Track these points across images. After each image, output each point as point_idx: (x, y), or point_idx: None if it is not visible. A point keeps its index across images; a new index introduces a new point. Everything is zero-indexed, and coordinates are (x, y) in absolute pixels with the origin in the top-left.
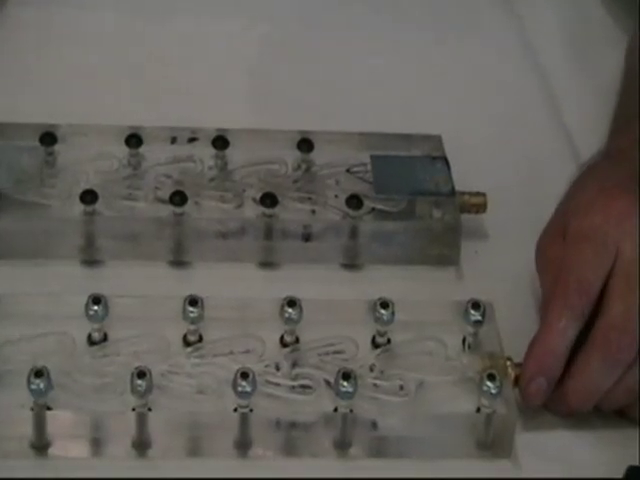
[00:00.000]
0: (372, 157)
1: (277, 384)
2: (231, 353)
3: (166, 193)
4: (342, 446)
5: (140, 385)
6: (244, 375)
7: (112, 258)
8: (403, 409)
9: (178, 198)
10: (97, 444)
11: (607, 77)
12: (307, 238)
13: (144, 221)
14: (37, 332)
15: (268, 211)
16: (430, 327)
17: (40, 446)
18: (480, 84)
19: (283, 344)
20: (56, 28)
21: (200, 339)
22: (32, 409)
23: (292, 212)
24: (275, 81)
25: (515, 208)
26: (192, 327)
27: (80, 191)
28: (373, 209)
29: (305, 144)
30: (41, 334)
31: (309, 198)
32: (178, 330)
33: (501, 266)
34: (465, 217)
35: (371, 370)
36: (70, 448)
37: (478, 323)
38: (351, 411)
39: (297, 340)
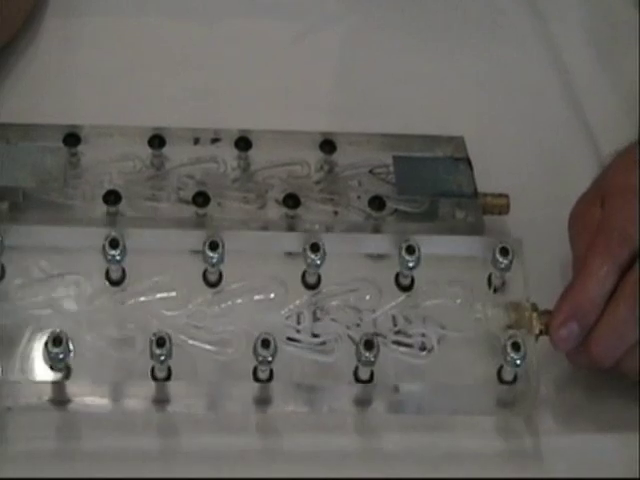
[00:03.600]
0: (394, 158)
1: (298, 340)
2: (251, 300)
3: (189, 194)
4: (362, 403)
5: (160, 354)
6: (265, 343)
7: None
8: (425, 371)
9: (201, 199)
10: (117, 396)
11: (631, 77)
12: None
13: (167, 222)
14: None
15: (291, 212)
16: (454, 270)
17: (61, 401)
18: (503, 85)
19: (305, 285)
20: (81, 31)
21: (220, 278)
22: (52, 368)
23: (314, 213)
24: (297, 82)
25: (538, 209)
26: (212, 269)
27: (103, 192)
28: (395, 210)
29: (327, 145)
30: (59, 274)
31: (331, 199)
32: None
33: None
34: (488, 218)
35: (394, 323)
36: (90, 403)
37: (506, 268)
38: (372, 377)
39: (319, 281)
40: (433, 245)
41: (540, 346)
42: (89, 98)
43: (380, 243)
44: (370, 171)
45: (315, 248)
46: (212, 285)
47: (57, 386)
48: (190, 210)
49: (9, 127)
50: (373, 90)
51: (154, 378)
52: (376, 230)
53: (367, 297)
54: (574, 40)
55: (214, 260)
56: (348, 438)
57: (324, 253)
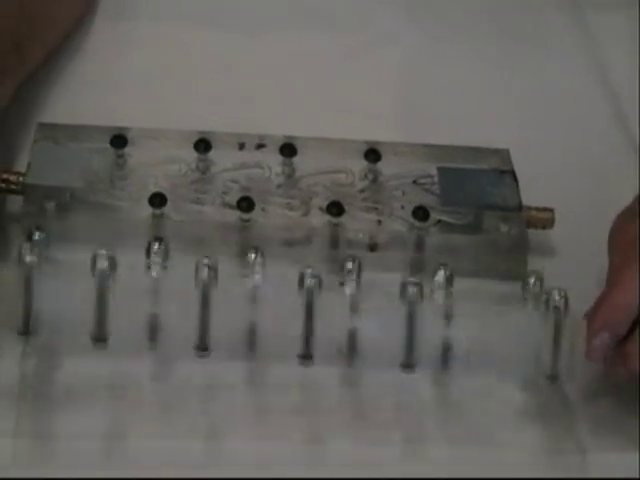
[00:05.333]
0: (439, 169)
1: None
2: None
3: (233, 198)
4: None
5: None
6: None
7: (178, 261)
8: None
9: (245, 204)
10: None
11: None
12: (373, 248)
13: (211, 225)
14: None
15: (334, 220)
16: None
17: (100, 337)
18: (549, 99)
19: None
20: (130, 36)
21: None
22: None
23: (358, 222)
24: (343, 90)
25: (583, 224)
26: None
27: (149, 194)
28: (439, 221)
29: (372, 154)
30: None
31: (375, 208)
32: None
33: (568, 282)
34: (532, 232)
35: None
36: (128, 343)
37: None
38: None
39: None
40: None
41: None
42: (137, 101)
43: None
44: (414, 181)
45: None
46: None
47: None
48: (234, 215)
49: (58, 128)
50: (419, 101)
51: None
52: (419, 241)
53: None
54: (620, 54)
55: None
56: (391, 448)
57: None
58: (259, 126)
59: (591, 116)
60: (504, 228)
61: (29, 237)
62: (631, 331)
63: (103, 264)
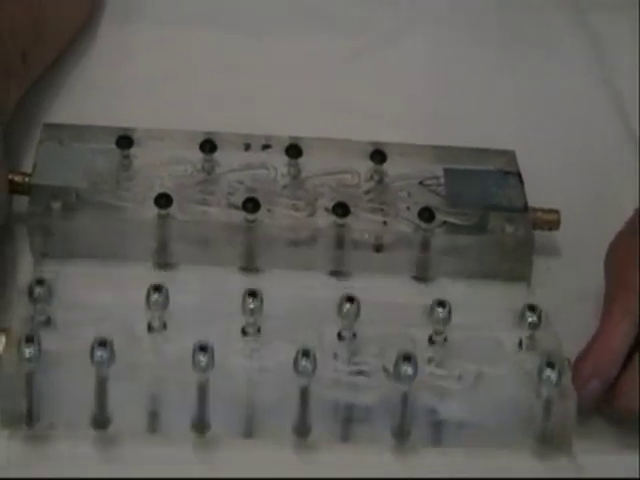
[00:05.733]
0: (445, 170)
1: (335, 369)
2: (290, 342)
3: (239, 199)
4: (401, 434)
5: (202, 360)
6: (305, 353)
7: (184, 262)
8: (462, 396)
9: (251, 205)
10: (156, 421)
11: None
12: (378, 249)
13: (216, 226)
14: (98, 317)
15: (340, 220)
16: (486, 329)
17: (101, 420)
18: (554, 100)
19: (340, 338)
20: (135, 38)
21: (258, 331)
22: (96, 382)
23: (364, 222)
24: (349, 91)
25: (589, 225)
26: (251, 319)
27: (155, 194)
28: (445, 222)
29: (378, 155)
30: (104, 317)
31: (381, 209)
32: (238, 323)
33: (573, 284)
34: (537, 233)
35: (429, 362)
36: (130, 424)
37: (533, 325)
38: (407, 397)
39: (354, 336)
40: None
41: None
42: (142, 102)
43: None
44: (420, 182)
45: (350, 300)
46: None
47: (99, 404)
48: (240, 215)
49: (63, 128)
50: (424, 101)
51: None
52: (425, 241)
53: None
54: (624, 56)
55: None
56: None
57: (358, 306)
58: (264, 127)
59: (595, 116)
60: (510, 229)
61: (32, 297)
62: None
63: (102, 355)
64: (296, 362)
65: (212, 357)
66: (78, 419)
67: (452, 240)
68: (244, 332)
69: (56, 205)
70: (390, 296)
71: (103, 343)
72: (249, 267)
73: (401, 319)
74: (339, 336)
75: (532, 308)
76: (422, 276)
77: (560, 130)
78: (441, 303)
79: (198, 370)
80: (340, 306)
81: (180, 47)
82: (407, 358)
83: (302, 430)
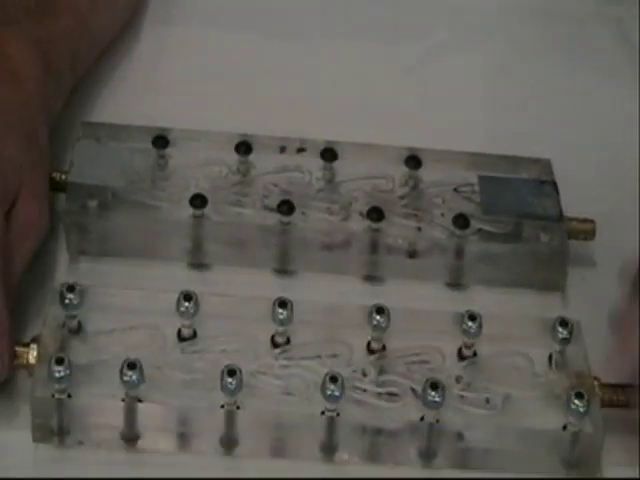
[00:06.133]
0: (480, 177)
1: (364, 390)
2: (318, 357)
3: (273, 202)
4: (427, 456)
5: (230, 383)
6: (333, 379)
7: (218, 263)
8: (489, 421)
9: (286, 207)
10: (185, 439)
11: None
12: (412, 255)
13: (251, 228)
14: (129, 325)
15: (374, 225)
16: (517, 343)
17: (130, 438)
18: (591, 110)
19: (370, 350)
20: (176, 39)
21: (288, 341)
22: (124, 400)
23: (398, 228)
24: (385, 96)
25: (624, 236)
26: (280, 329)
27: (190, 195)
28: (479, 230)
29: (413, 161)
30: (133, 327)
31: (415, 215)
32: (267, 332)
33: (608, 294)
34: (572, 243)
35: (457, 381)
36: (159, 441)
37: (565, 340)
38: (437, 421)
39: (384, 348)
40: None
41: None
42: (180, 103)
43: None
44: (455, 189)
45: (380, 311)
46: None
47: (128, 422)
48: (274, 218)
49: (100, 126)
50: (461, 109)
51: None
52: (459, 248)
53: (431, 361)
54: None
55: (283, 317)
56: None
57: (388, 317)
58: (300, 130)
59: (631, 127)
60: (544, 238)
61: (63, 303)
62: None
63: (131, 376)
64: (324, 387)
65: (240, 381)
66: (107, 435)
67: (486, 248)
68: (274, 342)
69: (92, 203)
70: (422, 303)
71: (133, 365)
72: (282, 270)
73: (432, 328)
74: (368, 348)
75: (564, 323)
76: (455, 283)
77: (596, 139)
78: (472, 316)
79: (226, 394)
80: (370, 316)
81: (218, 49)
82: (435, 386)
83: (329, 449)
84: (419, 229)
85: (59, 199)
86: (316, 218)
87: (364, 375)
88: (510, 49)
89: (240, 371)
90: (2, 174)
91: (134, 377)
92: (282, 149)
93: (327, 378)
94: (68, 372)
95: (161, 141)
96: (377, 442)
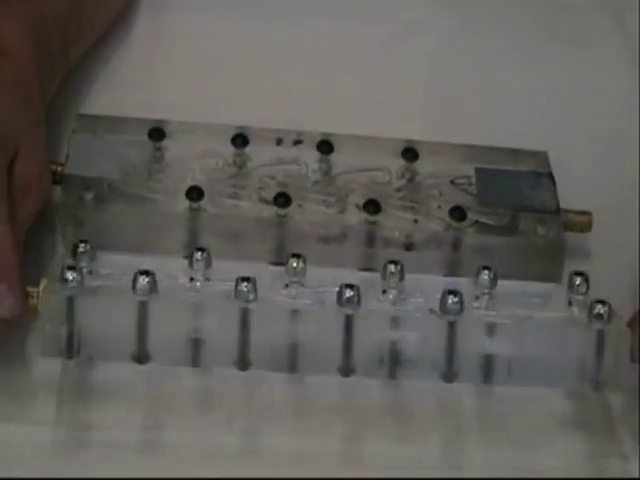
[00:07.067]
0: (477, 170)
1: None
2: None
3: (270, 194)
4: (448, 374)
5: (244, 290)
6: (349, 286)
7: (214, 255)
8: (511, 332)
9: (282, 200)
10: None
11: None
12: (409, 247)
13: (247, 220)
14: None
15: (371, 218)
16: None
17: (141, 356)
18: (588, 102)
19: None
20: (170, 28)
21: None
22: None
23: (394, 220)
24: (382, 87)
25: (621, 228)
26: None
27: (186, 187)
28: (476, 222)
29: (410, 153)
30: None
31: (412, 207)
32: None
33: (605, 287)
34: (569, 235)
35: (477, 299)
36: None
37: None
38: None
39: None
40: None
41: None
42: (175, 94)
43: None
44: (451, 181)
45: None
46: None
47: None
48: (271, 210)
49: (96, 119)
50: (458, 101)
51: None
52: (456, 241)
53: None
54: None
55: None
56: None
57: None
58: (296, 122)
59: (628, 118)
60: (541, 230)
61: (74, 250)
62: None
63: (144, 285)
64: (340, 295)
65: (255, 288)
66: (118, 353)
67: (483, 240)
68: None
69: (88, 196)
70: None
71: (145, 272)
72: (279, 262)
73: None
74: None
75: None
76: (452, 275)
77: (593, 132)
78: (486, 267)
79: (241, 301)
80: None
81: (214, 40)
82: (453, 292)
83: (346, 370)
84: (416, 221)
85: (55, 192)
86: (312, 210)
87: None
88: (508, 40)
89: (255, 280)
90: (1, 126)
91: (146, 282)
92: (278, 141)
93: (343, 286)
94: (80, 278)
95: (157, 133)
96: (396, 361)
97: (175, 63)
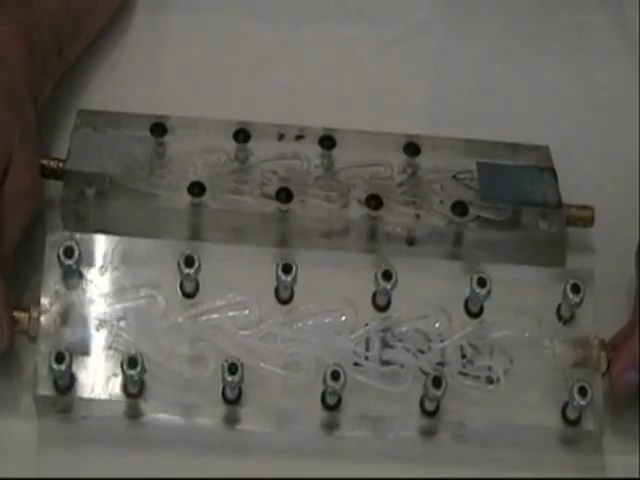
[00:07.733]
0: (479, 164)
1: (366, 369)
2: (322, 322)
3: (272, 189)
4: (428, 434)
5: (232, 380)
6: (335, 374)
7: (216, 250)
8: (489, 405)
9: (284, 195)
10: (189, 417)
11: None
12: (411, 242)
13: (249, 216)
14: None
15: (373, 213)
16: (525, 300)
17: (134, 415)
18: (589, 96)
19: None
20: (170, 26)
21: (292, 295)
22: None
23: (396, 215)
24: (384, 84)
25: (623, 222)
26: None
27: (188, 182)
28: (478, 217)
29: (411, 148)
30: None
31: (414, 202)
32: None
33: (607, 281)
34: (571, 230)
35: (462, 354)
36: (162, 419)
37: (576, 305)
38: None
39: (389, 301)
40: (505, 272)
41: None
42: (177, 90)
43: (452, 270)
44: (453, 176)
45: (387, 276)
46: (284, 302)
47: (131, 402)
48: (273, 205)
49: (98, 114)
50: (459, 96)
51: (224, 398)
52: (458, 236)
53: (437, 325)
54: None
55: (287, 282)
56: (413, 467)
57: (396, 280)
58: (298, 117)
59: (630, 113)
60: (543, 225)
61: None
62: None
63: (133, 373)
64: (325, 380)
65: (242, 374)
66: (111, 409)
67: (485, 235)
68: (278, 297)
69: (90, 191)
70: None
71: (134, 362)
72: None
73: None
74: (374, 302)
75: (576, 288)
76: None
77: (595, 126)
78: (481, 281)
79: (228, 386)
80: (376, 280)
81: (215, 35)
82: (437, 383)
83: (331, 425)
84: (418, 216)
85: (57, 187)
86: (314, 205)
87: (367, 349)
88: (509, 36)
89: (241, 366)
90: None
91: (136, 375)
92: (280, 136)
93: (328, 373)
94: (68, 367)
95: (159, 129)
96: (378, 422)
97: (177, 59)
